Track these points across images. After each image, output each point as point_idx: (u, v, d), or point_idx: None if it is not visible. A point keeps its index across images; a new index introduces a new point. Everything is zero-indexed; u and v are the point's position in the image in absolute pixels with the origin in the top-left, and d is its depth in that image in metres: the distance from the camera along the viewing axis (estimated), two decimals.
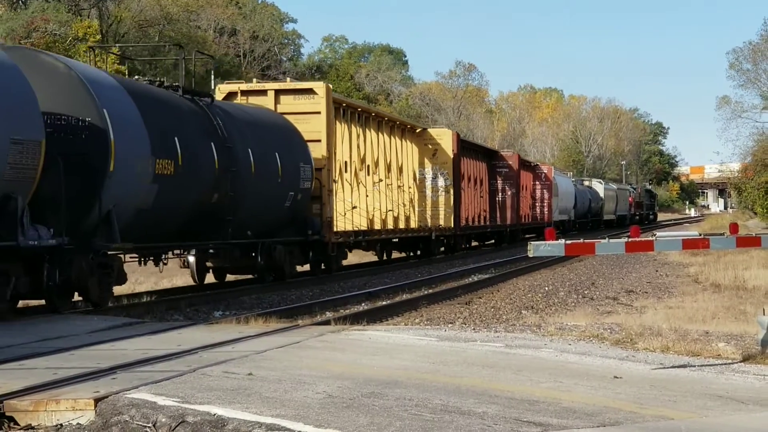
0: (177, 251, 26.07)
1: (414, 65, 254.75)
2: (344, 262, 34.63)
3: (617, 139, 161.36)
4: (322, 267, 31.96)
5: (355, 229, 35.36)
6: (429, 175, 44.13)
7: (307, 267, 32.00)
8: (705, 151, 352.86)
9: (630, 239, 12.48)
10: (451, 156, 44.43)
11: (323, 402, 9.67)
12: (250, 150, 26.54)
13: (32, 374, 11.09)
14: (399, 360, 12.78)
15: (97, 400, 9.60)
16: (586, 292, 29.39)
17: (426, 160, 44.06)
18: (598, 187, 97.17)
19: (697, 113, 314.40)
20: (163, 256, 24.43)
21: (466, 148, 49.44)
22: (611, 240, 12.61)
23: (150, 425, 9.06)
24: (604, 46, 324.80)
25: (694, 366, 12.93)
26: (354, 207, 35.89)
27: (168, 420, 9.02)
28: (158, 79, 25.59)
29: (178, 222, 23.69)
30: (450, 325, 18.87)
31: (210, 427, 8.82)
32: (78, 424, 9.44)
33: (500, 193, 56.22)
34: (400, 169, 41.41)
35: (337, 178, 33.76)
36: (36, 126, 18.09)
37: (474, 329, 16.99)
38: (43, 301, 19.62)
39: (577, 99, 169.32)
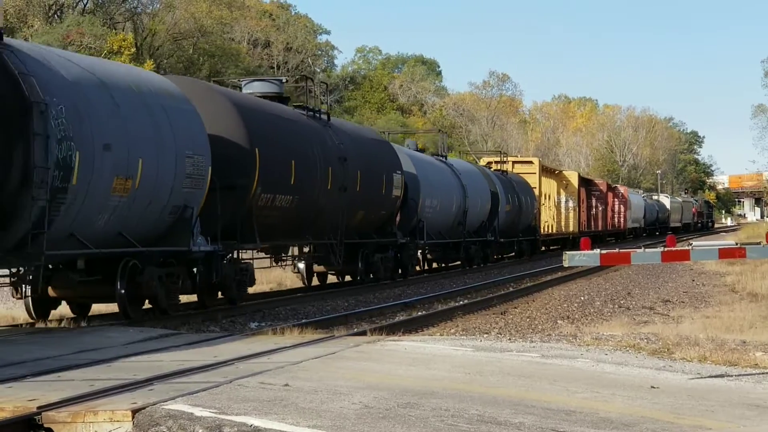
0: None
1: (448, 76, 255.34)
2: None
3: (652, 149, 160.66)
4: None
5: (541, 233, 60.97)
6: (563, 200, 66.48)
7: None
8: (741, 160, 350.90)
9: (666, 249, 12.42)
10: (576, 187, 68.57)
11: (360, 413, 9.67)
12: (522, 196, 53.76)
13: (69, 386, 11.15)
14: (435, 370, 12.77)
15: (134, 412, 9.64)
16: (622, 301, 29.28)
17: (561, 190, 66.18)
18: (665, 200, 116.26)
19: (732, 122, 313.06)
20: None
21: (581, 180, 72.47)
22: (647, 250, 12.56)
23: None
24: (639, 55, 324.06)
25: (732, 376, 12.87)
26: None
27: (205, 431, 9.04)
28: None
29: (503, 229, 50.39)
30: (485, 336, 18.83)
31: None
32: None
33: (594, 209, 76.98)
34: (549, 196, 63.60)
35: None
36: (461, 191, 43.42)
37: (510, 339, 16.97)
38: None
39: (611, 108, 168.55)
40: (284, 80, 30.97)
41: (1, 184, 16.61)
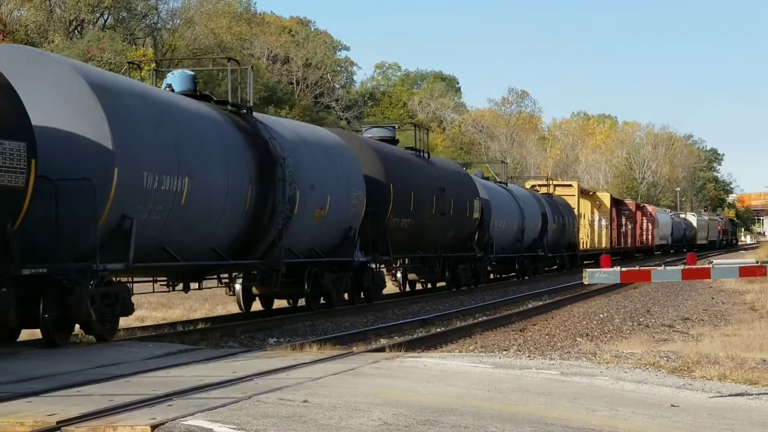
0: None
1: (467, 92, 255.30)
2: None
3: (671, 166, 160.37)
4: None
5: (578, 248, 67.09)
6: (597, 218, 72.33)
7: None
8: (761, 177, 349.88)
9: (686, 267, 12.36)
10: (609, 207, 73.91)
11: (378, 429, 9.65)
12: (565, 216, 60.81)
13: (89, 401, 11.16)
14: (454, 387, 12.74)
15: (153, 427, 9.64)
16: (641, 319, 29.18)
17: (594, 210, 72.12)
18: (692, 218, 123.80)
19: (752, 139, 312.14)
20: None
21: (612, 200, 78.17)
22: (667, 267, 12.50)
23: None
24: (658, 72, 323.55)
25: (752, 394, 12.81)
26: None
27: None
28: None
29: (550, 245, 56.62)
30: (504, 352, 18.79)
31: None
32: None
33: (624, 227, 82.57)
34: (585, 216, 69.85)
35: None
36: (520, 213, 50.55)
37: (529, 356, 16.93)
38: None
39: (630, 125, 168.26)
40: (396, 127, 38.94)
41: (262, 215, 23.88)
